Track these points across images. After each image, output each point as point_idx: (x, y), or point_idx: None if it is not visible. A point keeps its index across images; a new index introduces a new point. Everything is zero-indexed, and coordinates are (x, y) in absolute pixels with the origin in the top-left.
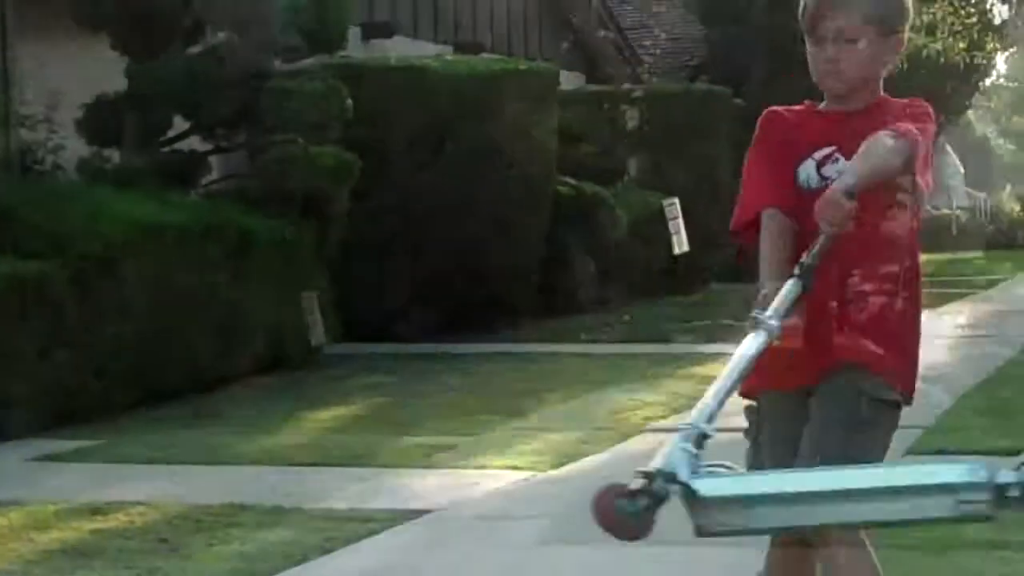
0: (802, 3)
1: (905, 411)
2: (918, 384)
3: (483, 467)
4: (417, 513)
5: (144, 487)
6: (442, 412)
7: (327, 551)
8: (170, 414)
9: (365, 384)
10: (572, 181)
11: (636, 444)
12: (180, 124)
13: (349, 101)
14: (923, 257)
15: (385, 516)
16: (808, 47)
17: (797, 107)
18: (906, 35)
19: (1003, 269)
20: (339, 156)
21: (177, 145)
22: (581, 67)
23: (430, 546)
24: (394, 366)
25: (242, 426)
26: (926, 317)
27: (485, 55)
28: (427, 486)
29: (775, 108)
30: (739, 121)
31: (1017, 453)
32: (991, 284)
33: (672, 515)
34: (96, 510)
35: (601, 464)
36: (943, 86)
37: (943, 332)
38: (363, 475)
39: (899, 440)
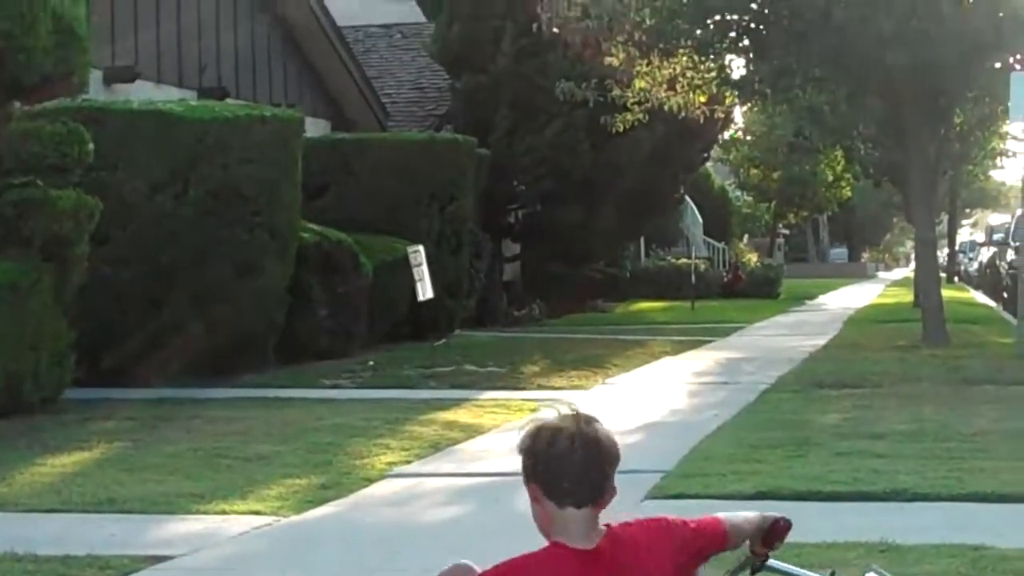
0: None
1: (645, 456)
2: (657, 430)
3: (225, 512)
4: (158, 559)
5: None
6: (183, 457)
7: None
8: None
9: (105, 429)
10: (317, 227)
11: (379, 489)
12: None
13: (91, 144)
14: (664, 304)
15: (125, 562)
16: None
17: None
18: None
19: (741, 317)
20: (80, 199)
21: None
22: (327, 114)
23: None
24: (134, 411)
25: None
26: (668, 362)
27: (230, 101)
28: (168, 532)
29: None
30: (484, 170)
31: (758, 498)
32: (730, 331)
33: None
34: None
35: (344, 509)
36: (683, 139)
37: (683, 379)
38: (103, 521)
39: (640, 485)
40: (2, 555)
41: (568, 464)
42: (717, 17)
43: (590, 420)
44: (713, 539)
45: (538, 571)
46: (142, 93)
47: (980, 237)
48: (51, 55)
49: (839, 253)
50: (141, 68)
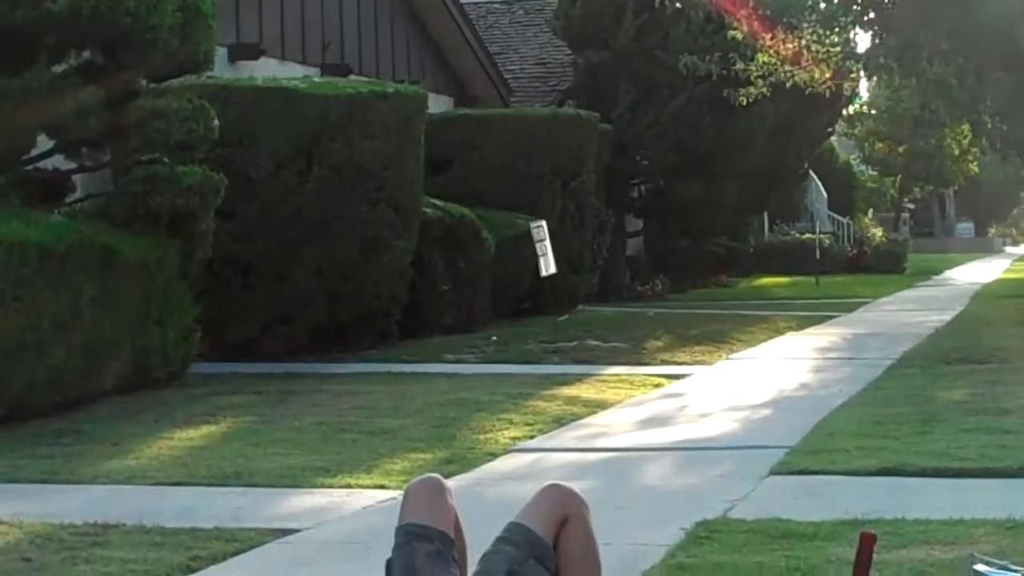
0: None
1: (770, 431)
2: (781, 405)
3: (350, 486)
4: (283, 532)
5: (7, 506)
6: (309, 431)
7: (192, 570)
8: (32, 433)
9: (231, 403)
10: (439, 203)
11: (502, 464)
12: (44, 142)
13: (216, 121)
14: (789, 279)
15: (251, 535)
16: None
17: None
18: None
19: (866, 292)
20: (205, 175)
21: (41, 164)
22: (449, 90)
23: (296, 566)
24: (260, 385)
25: (106, 445)
26: (792, 338)
27: (353, 77)
28: (294, 505)
29: None
30: (607, 145)
31: (883, 474)
32: (855, 307)
33: None
34: None
35: (468, 484)
36: (807, 113)
37: (808, 354)
38: (229, 494)
39: (764, 461)
40: (131, 527)
41: None
42: None
43: None
44: None
45: None
46: (266, 70)
47: None
48: (177, 33)
49: (965, 227)
50: (266, 45)
